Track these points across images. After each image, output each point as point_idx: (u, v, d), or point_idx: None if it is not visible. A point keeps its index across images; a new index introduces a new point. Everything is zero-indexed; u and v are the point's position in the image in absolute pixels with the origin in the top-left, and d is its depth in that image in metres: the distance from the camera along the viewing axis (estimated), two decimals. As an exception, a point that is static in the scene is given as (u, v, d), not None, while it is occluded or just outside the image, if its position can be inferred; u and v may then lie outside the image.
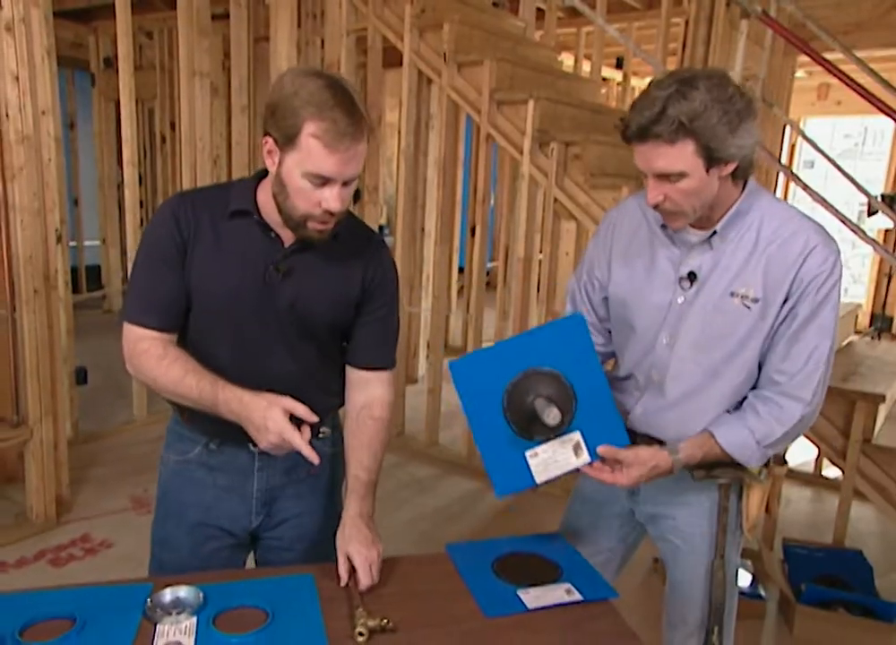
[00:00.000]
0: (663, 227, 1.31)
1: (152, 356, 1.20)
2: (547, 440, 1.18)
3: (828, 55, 2.97)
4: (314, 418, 1.14)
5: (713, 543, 1.38)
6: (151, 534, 1.42)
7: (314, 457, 1.13)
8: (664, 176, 1.18)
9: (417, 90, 3.61)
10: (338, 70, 3.70)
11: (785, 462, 1.56)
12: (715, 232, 1.26)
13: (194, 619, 1.09)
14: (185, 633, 1.06)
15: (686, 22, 3.71)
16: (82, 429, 3.57)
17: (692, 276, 1.28)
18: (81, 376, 3.64)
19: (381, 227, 4.54)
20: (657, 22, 3.94)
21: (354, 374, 1.36)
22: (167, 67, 5.08)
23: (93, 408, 3.90)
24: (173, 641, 1.04)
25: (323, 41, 3.77)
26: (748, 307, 1.24)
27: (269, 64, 3.57)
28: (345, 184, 1.14)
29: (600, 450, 1.25)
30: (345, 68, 3.68)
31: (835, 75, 2.76)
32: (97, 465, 3.31)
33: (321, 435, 1.38)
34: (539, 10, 4.23)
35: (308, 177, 1.12)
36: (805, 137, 3.68)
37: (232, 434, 1.26)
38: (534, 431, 1.24)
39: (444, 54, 3.29)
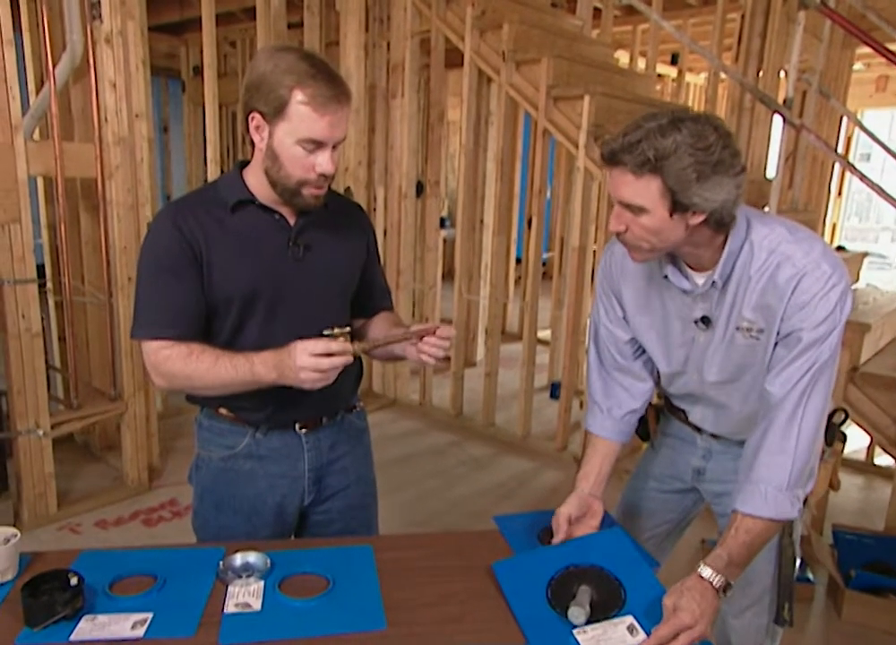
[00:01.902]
0: (665, 277, 1.22)
1: (179, 357, 1.15)
2: (597, 621, 1.03)
3: (889, 46, 2.77)
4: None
5: None
6: (200, 528, 1.36)
7: (348, 349, 1.09)
8: (627, 207, 1.09)
9: (477, 88, 3.56)
10: (402, 71, 3.68)
11: (845, 438, 1.45)
12: (725, 281, 1.17)
13: (262, 583, 1.10)
14: (253, 595, 1.07)
15: (742, 16, 3.53)
16: (171, 404, 3.69)
17: (705, 320, 1.22)
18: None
19: (442, 219, 4.52)
20: (712, 18, 3.77)
21: (364, 321, 1.40)
22: (248, 73, 5.18)
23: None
24: (242, 602, 1.05)
25: (389, 44, 3.75)
26: (757, 338, 1.17)
27: (339, 65, 3.58)
28: (334, 147, 1.14)
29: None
30: (409, 68, 3.66)
31: (896, 65, 2.57)
32: (183, 436, 3.41)
33: (356, 409, 1.41)
34: (596, 9, 4.11)
35: (301, 144, 1.11)
36: (862, 128, 3.45)
37: (278, 418, 1.27)
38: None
39: (503, 53, 3.23)
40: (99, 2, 2.51)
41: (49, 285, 2.99)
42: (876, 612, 2.15)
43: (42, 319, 2.52)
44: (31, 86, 2.78)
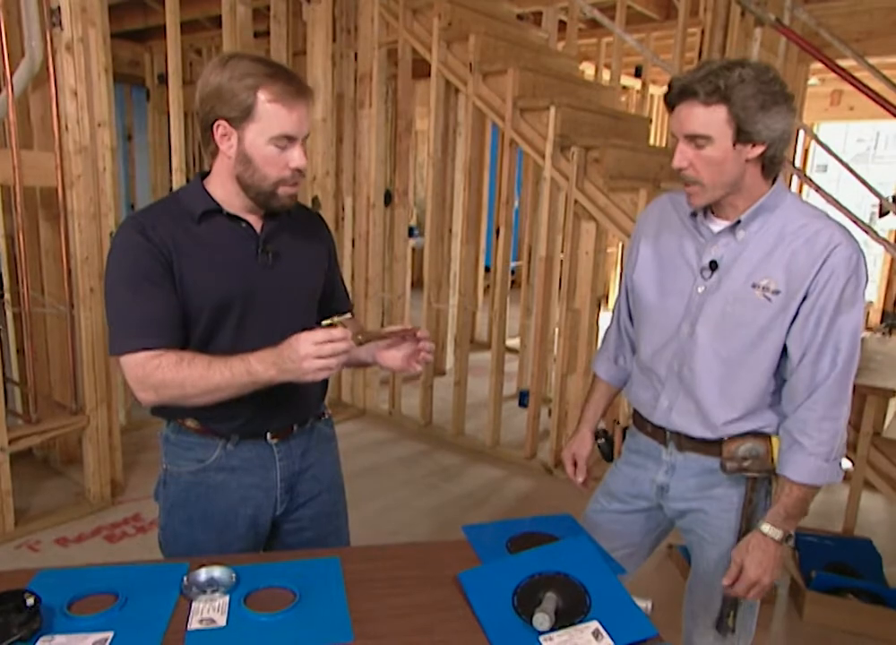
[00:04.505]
0: (693, 215, 1.29)
1: (169, 365, 1.12)
2: (563, 627, 1.04)
3: (841, 62, 2.87)
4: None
5: (738, 532, 1.32)
6: (169, 545, 1.32)
7: (349, 335, 1.07)
8: (692, 139, 1.16)
9: (445, 98, 3.58)
10: (370, 81, 3.69)
11: None
12: (739, 221, 1.23)
13: (227, 598, 1.08)
14: (217, 611, 1.05)
15: (703, 32, 3.62)
16: (135, 416, 3.62)
17: (713, 265, 1.26)
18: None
19: (410, 229, 4.53)
20: (674, 32, 3.86)
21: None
22: (214, 82, 5.13)
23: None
24: (206, 618, 1.03)
25: (356, 54, 3.75)
26: (769, 299, 1.20)
27: (306, 75, 3.57)
28: (302, 142, 1.16)
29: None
30: (377, 79, 3.67)
31: (848, 81, 2.66)
32: (147, 450, 3.35)
33: (324, 416, 1.41)
34: (561, 22, 4.18)
35: (274, 141, 1.13)
36: (818, 141, 3.57)
37: (249, 427, 1.26)
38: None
39: (470, 64, 3.26)
40: (59, 8, 2.47)
41: (7, 296, 2.92)
42: (837, 612, 2.20)
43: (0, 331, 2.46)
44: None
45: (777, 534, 1.22)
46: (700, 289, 1.27)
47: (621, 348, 1.53)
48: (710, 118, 1.13)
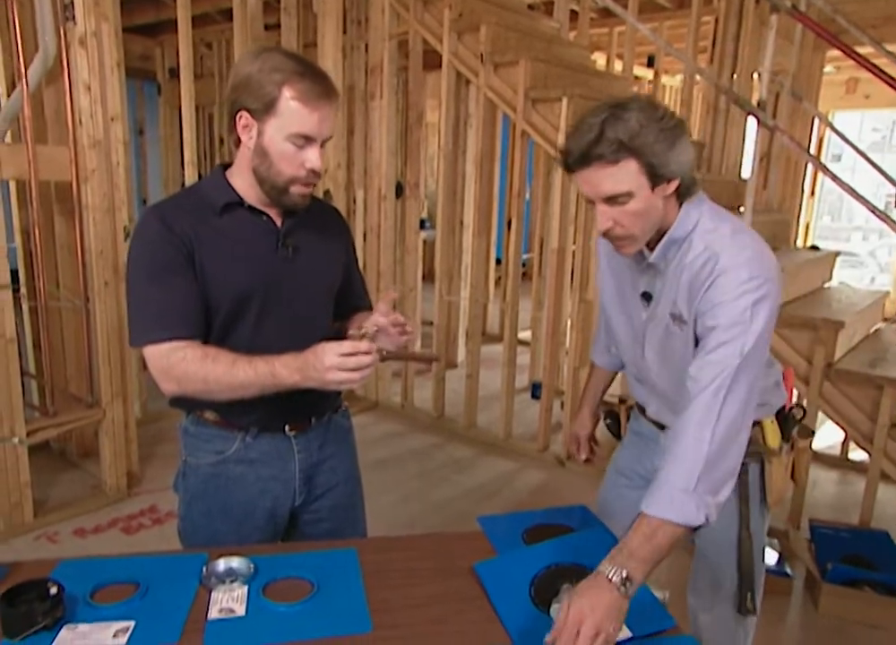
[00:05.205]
0: None
1: (194, 358, 1.11)
2: None
3: (857, 49, 2.83)
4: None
5: (738, 513, 1.35)
6: (189, 536, 1.33)
7: (374, 348, 1.06)
8: (612, 200, 1.11)
9: (455, 90, 3.57)
10: (381, 73, 3.68)
11: (811, 434, 1.49)
12: (649, 264, 1.22)
13: (246, 588, 1.09)
14: (237, 601, 1.06)
15: (716, 20, 3.58)
16: (150, 409, 3.64)
17: (647, 295, 1.27)
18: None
19: (422, 221, 4.52)
20: (687, 21, 3.81)
21: (341, 322, 1.40)
22: (225, 75, 5.12)
23: (159, 391, 3.97)
24: (226, 608, 1.05)
25: (367, 46, 3.74)
26: (681, 329, 1.20)
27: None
28: (322, 145, 1.15)
29: None
30: (387, 70, 3.66)
31: (866, 67, 2.62)
32: (163, 442, 3.38)
33: (341, 409, 1.42)
34: (573, 11, 4.14)
35: (291, 139, 1.12)
36: (833, 129, 3.52)
37: (268, 420, 1.26)
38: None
39: (481, 55, 3.24)
40: (73, 3, 2.48)
41: (23, 290, 2.94)
42: (853, 604, 2.19)
43: (16, 325, 2.48)
44: (1, 88, 2.73)
45: (614, 573, 0.97)
46: (643, 316, 1.29)
47: (611, 341, 1.56)
48: (623, 175, 1.08)
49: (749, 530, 1.35)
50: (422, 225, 4.50)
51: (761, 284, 1.08)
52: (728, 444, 1.07)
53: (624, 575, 0.96)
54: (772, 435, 1.35)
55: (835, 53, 3.65)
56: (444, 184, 3.65)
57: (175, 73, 5.27)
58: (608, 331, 1.51)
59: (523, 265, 4.66)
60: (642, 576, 0.99)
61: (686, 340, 1.19)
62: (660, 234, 1.18)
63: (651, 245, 1.21)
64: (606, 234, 1.16)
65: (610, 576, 0.97)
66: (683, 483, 1.05)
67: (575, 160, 1.10)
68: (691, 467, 1.05)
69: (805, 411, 1.44)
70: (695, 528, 1.05)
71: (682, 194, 1.16)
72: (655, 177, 1.09)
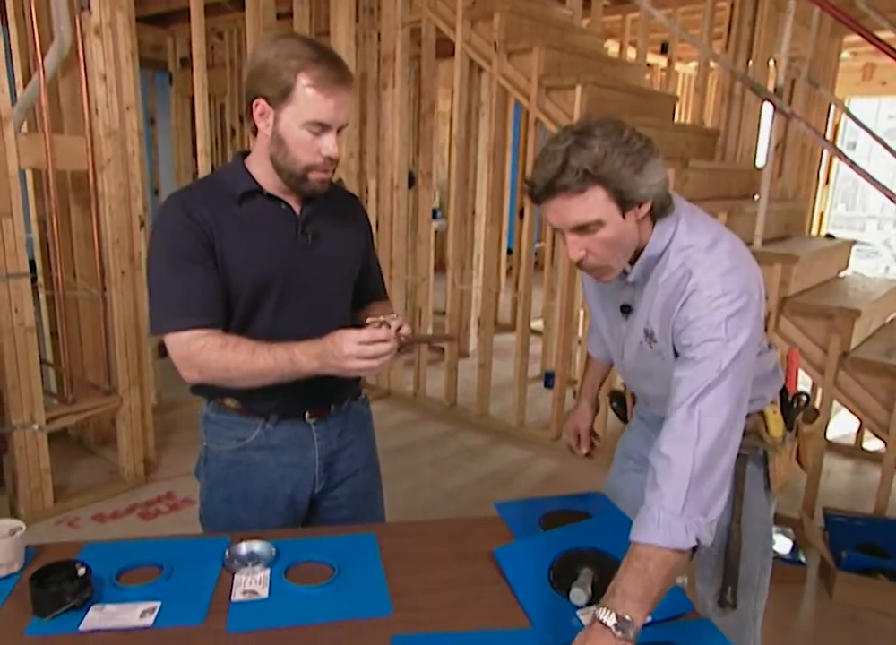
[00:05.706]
0: None
1: (214, 347, 1.12)
2: (600, 601, 0.99)
3: (877, 34, 2.79)
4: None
5: (731, 507, 1.34)
6: (210, 521, 1.35)
7: (392, 336, 1.07)
8: (581, 229, 1.07)
9: (468, 78, 3.56)
10: (393, 61, 3.67)
11: (817, 415, 1.47)
12: (628, 282, 1.22)
13: (268, 571, 1.11)
14: (259, 583, 1.08)
15: (732, 5, 3.54)
16: (166, 398, 3.68)
17: (626, 309, 1.26)
18: (163, 350, 3.74)
19: (434, 210, 4.52)
20: (702, 7, 3.76)
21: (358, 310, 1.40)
22: (236, 65, 5.12)
23: (175, 379, 4.01)
24: (249, 590, 1.06)
25: (379, 34, 3.73)
26: (651, 346, 1.20)
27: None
28: (338, 131, 1.15)
29: None
30: (400, 59, 3.65)
31: (887, 53, 2.59)
32: (179, 430, 3.42)
33: (360, 396, 1.43)
34: (586, -2, 4.10)
35: (308, 126, 1.12)
36: (850, 115, 3.48)
37: (288, 407, 1.28)
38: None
39: (495, 43, 3.22)
40: (87, -8, 2.49)
41: (40, 279, 2.97)
42: (867, 592, 2.19)
43: (34, 314, 2.51)
44: (18, 78, 2.74)
45: (607, 617, 0.92)
46: (623, 327, 1.29)
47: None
48: (591, 203, 1.04)
49: (739, 523, 1.34)
50: (434, 214, 4.50)
51: (735, 298, 1.05)
52: (713, 461, 1.02)
53: (621, 618, 0.91)
54: (775, 425, 1.33)
55: (852, 38, 3.60)
56: (457, 174, 3.64)
57: (186, 63, 5.27)
58: (596, 330, 1.52)
59: (535, 254, 4.65)
60: (641, 615, 0.92)
61: (661, 356, 1.19)
62: (637, 252, 1.16)
63: (633, 261, 1.18)
64: (579, 265, 1.13)
65: (605, 620, 0.91)
66: (670, 505, 0.99)
67: (540, 192, 1.06)
68: (676, 489, 1.00)
69: (808, 397, 1.42)
70: (693, 550, 0.99)
71: (656, 215, 1.12)
72: (624, 203, 1.05)
